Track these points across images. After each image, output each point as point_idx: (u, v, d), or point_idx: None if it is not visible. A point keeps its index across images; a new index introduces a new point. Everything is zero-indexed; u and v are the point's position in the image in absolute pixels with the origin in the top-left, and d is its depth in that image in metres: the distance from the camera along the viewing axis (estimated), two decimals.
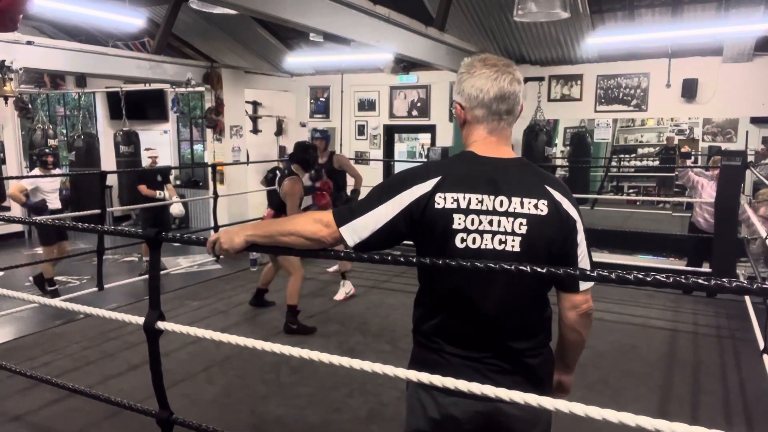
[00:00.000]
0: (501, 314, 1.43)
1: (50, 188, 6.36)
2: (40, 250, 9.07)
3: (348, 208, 1.47)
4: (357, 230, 1.43)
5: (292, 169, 4.49)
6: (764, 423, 2.99)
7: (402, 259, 1.53)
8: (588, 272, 1.36)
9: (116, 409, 2.59)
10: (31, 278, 6.61)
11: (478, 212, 1.38)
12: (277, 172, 4.46)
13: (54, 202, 6.37)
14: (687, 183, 6.01)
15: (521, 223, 1.38)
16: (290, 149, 10.37)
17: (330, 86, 9.90)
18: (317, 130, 5.96)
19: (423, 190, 1.40)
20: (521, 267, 1.31)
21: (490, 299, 1.42)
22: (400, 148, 10.52)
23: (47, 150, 6.44)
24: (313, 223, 1.48)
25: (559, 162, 9.93)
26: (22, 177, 6.57)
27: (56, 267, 6.68)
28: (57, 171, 6.54)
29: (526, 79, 7.93)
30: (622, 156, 11.79)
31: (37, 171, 6.32)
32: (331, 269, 5.94)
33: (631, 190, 11.30)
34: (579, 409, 1.32)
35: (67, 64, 6.58)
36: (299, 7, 4.43)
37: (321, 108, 10.14)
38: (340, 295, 5.10)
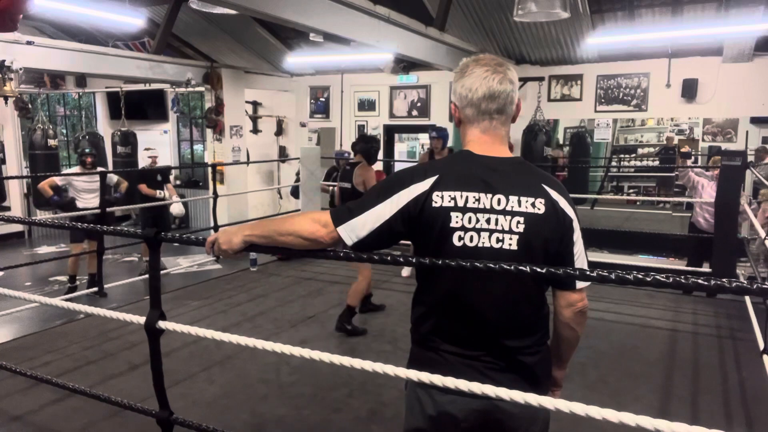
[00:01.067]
0: (499, 313, 1.43)
1: (84, 188, 6.19)
2: (41, 249, 9.16)
3: (346, 208, 1.47)
4: (355, 229, 1.43)
5: (355, 160, 4.36)
6: (764, 423, 2.99)
7: (402, 259, 1.53)
8: (588, 272, 1.36)
9: (116, 409, 2.59)
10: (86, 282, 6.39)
11: (476, 210, 1.38)
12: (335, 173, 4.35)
13: (89, 202, 6.16)
14: (687, 183, 6.01)
15: (518, 222, 1.38)
16: (290, 149, 10.50)
17: (330, 86, 9.90)
18: (434, 129, 5.55)
19: (421, 189, 1.40)
20: (521, 267, 1.31)
21: (489, 298, 1.42)
22: (400, 148, 10.50)
23: (87, 150, 6.30)
24: (311, 223, 1.48)
25: (559, 162, 9.92)
26: (54, 175, 6.37)
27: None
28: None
29: (527, 79, 7.94)
30: (622, 156, 11.77)
31: (75, 170, 6.26)
32: (405, 273, 5.64)
33: (631, 190, 11.28)
34: (579, 409, 1.32)
35: (67, 64, 6.59)
36: (299, 7, 4.43)
37: (321, 108, 10.14)
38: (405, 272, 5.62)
